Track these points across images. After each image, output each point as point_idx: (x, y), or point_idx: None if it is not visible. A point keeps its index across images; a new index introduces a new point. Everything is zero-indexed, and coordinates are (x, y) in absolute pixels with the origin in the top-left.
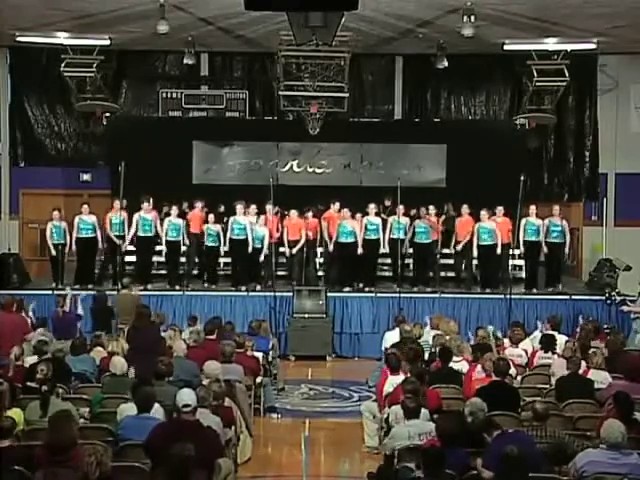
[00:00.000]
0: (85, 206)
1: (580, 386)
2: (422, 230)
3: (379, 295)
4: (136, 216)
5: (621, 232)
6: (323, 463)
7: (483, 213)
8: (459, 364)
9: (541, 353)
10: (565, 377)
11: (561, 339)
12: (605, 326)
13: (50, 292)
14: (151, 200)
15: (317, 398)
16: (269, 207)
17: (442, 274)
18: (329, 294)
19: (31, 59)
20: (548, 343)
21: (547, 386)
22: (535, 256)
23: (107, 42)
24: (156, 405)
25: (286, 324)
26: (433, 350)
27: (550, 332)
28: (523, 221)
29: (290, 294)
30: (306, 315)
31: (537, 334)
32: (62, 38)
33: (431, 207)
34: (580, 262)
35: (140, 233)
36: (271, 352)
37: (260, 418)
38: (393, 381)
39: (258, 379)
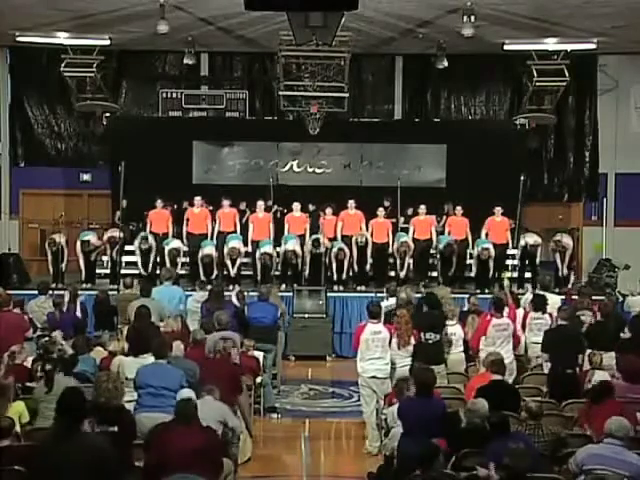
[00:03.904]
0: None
1: (567, 337)
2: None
3: (379, 295)
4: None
5: (621, 232)
6: (323, 463)
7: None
8: (453, 328)
9: (533, 314)
10: (553, 329)
11: (552, 298)
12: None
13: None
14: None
15: (317, 398)
16: (260, 203)
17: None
18: (329, 294)
19: (31, 59)
20: (539, 303)
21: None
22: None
23: (107, 42)
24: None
25: (286, 324)
26: None
27: (541, 293)
28: None
29: (290, 294)
30: (306, 315)
31: (528, 295)
32: (62, 38)
33: (422, 207)
34: (580, 262)
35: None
36: (279, 320)
37: (260, 418)
38: (372, 328)
39: (258, 379)
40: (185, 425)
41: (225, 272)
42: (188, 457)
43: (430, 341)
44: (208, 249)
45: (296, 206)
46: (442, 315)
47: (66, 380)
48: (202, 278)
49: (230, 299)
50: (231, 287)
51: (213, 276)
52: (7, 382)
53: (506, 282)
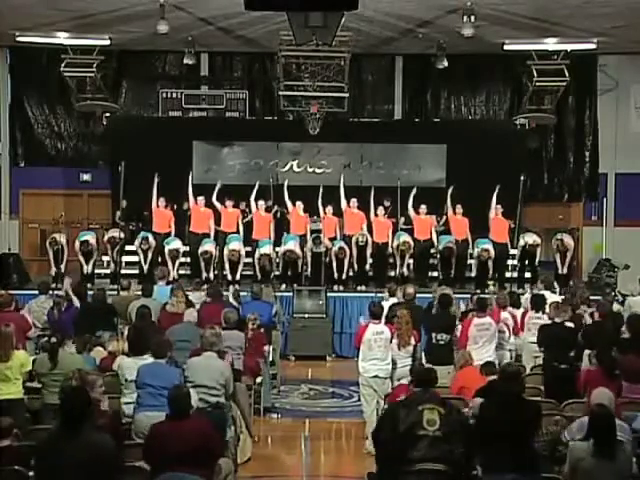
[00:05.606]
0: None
1: (561, 332)
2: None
3: (379, 295)
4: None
5: (621, 232)
6: (323, 463)
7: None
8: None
9: (532, 313)
10: (548, 325)
11: (553, 298)
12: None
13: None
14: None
15: (317, 398)
16: (261, 203)
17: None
18: (329, 294)
19: (31, 59)
20: (538, 303)
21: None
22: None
23: (107, 42)
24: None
25: (286, 324)
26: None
27: (541, 292)
28: None
29: (290, 294)
30: (306, 315)
31: (528, 295)
32: (62, 38)
33: (423, 206)
34: (580, 262)
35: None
36: (275, 318)
37: (260, 418)
38: (374, 329)
39: (258, 379)
40: (179, 421)
41: (224, 273)
42: (183, 454)
43: (442, 342)
44: (208, 246)
45: (298, 206)
46: (453, 316)
47: (70, 357)
48: (204, 274)
49: (228, 299)
50: (230, 287)
51: (211, 275)
52: (8, 329)
53: (491, 287)
